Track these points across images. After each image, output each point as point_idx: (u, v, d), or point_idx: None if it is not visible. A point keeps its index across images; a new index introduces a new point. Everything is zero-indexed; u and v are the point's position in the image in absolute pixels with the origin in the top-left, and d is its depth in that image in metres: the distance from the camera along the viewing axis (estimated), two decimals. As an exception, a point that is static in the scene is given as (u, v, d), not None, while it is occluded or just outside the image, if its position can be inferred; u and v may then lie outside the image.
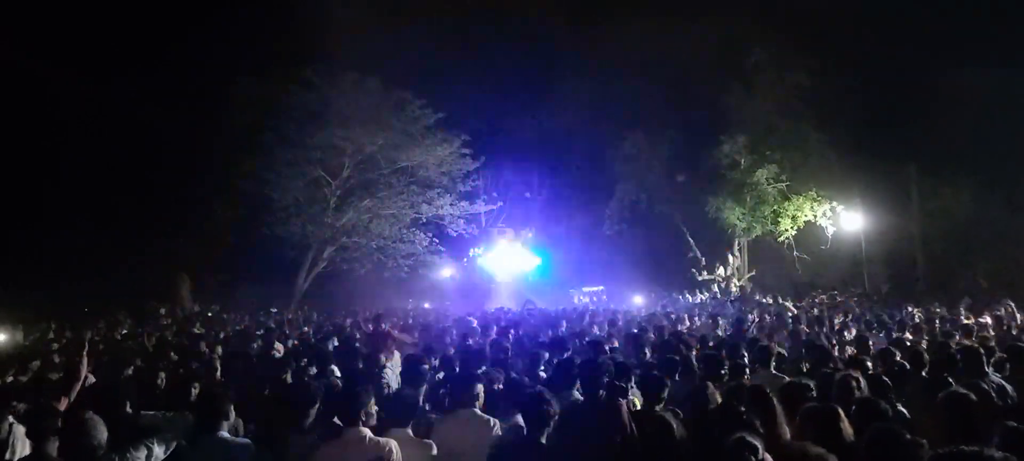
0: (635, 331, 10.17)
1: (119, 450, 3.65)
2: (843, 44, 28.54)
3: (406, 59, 27.78)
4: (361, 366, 7.10)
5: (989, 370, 5.73)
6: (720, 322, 13.36)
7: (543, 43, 31.22)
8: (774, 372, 6.37)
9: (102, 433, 3.62)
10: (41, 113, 24.28)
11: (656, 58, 29.54)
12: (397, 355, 7.71)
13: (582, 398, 5.08)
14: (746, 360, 6.63)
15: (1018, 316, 11.45)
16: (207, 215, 25.06)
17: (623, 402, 4.48)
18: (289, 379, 6.35)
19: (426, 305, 26.38)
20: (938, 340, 8.20)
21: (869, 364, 6.32)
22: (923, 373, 5.86)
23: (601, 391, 4.77)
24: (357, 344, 8.83)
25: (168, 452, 3.85)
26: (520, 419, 4.17)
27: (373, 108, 24.80)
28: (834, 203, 26.58)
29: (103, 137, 24.19)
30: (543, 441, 3.85)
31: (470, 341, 9.19)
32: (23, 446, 4.49)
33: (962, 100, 25.22)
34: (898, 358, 6.42)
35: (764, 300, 21.71)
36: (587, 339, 9.01)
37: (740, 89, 28.51)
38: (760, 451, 3.34)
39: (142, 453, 3.72)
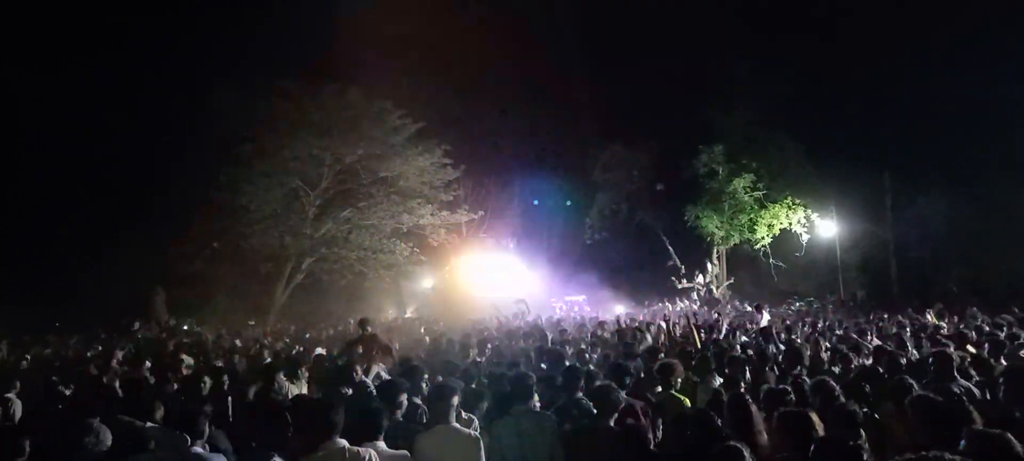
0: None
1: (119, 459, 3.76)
2: (820, 56, 29.08)
3: (386, 69, 27.77)
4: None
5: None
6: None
7: (525, 53, 31.31)
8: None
9: (107, 439, 3.73)
10: (12, 121, 23.85)
11: (637, 69, 29.85)
12: (378, 368, 7.53)
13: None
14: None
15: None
16: (183, 227, 24.72)
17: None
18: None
19: (409, 313, 26.31)
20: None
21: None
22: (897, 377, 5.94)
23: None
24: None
25: None
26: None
27: (352, 118, 24.67)
28: (809, 211, 26.94)
29: (77, 148, 23.82)
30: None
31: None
32: None
33: (936, 110, 25.76)
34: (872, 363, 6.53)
35: (746, 307, 21.89)
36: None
37: (719, 100, 28.86)
38: (747, 458, 3.37)
39: None
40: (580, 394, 5.25)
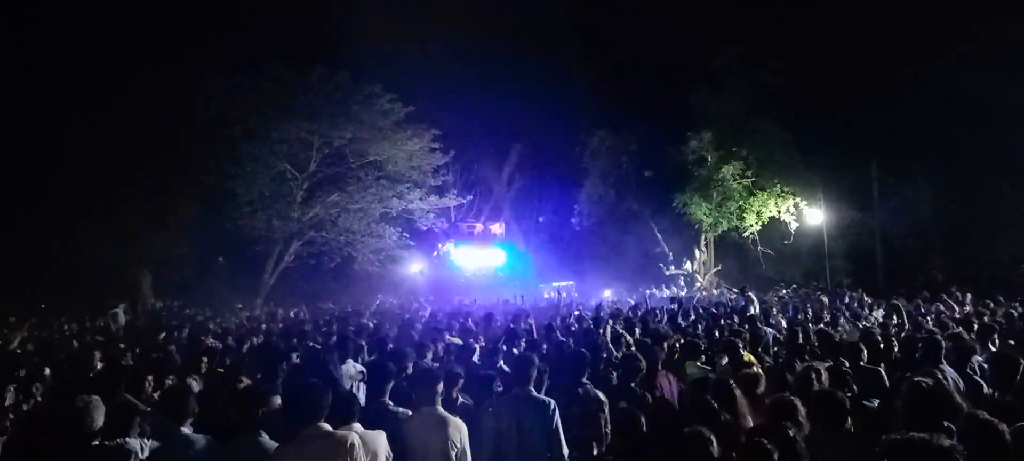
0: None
1: (113, 437, 3.83)
2: (808, 44, 29.13)
3: (376, 52, 27.54)
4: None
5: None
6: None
7: (514, 38, 31.13)
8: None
9: (100, 417, 3.83)
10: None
11: (626, 54, 29.74)
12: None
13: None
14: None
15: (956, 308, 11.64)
16: (170, 209, 24.48)
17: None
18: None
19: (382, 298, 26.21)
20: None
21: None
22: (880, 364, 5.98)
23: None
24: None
25: (146, 446, 3.96)
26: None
27: (341, 102, 24.47)
28: (797, 199, 27.03)
29: (63, 130, 23.49)
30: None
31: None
32: None
33: (923, 99, 25.90)
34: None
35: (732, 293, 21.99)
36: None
37: (708, 87, 28.82)
38: (714, 443, 3.41)
39: (136, 442, 3.85)
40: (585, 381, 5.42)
